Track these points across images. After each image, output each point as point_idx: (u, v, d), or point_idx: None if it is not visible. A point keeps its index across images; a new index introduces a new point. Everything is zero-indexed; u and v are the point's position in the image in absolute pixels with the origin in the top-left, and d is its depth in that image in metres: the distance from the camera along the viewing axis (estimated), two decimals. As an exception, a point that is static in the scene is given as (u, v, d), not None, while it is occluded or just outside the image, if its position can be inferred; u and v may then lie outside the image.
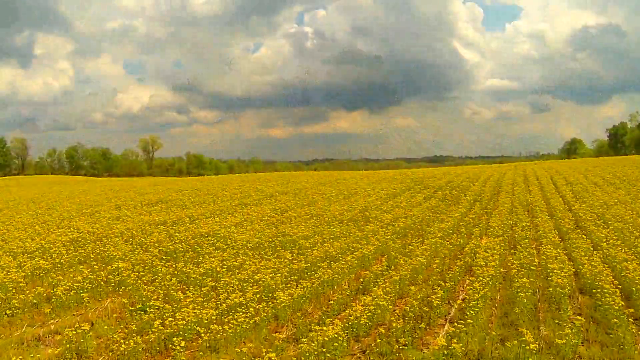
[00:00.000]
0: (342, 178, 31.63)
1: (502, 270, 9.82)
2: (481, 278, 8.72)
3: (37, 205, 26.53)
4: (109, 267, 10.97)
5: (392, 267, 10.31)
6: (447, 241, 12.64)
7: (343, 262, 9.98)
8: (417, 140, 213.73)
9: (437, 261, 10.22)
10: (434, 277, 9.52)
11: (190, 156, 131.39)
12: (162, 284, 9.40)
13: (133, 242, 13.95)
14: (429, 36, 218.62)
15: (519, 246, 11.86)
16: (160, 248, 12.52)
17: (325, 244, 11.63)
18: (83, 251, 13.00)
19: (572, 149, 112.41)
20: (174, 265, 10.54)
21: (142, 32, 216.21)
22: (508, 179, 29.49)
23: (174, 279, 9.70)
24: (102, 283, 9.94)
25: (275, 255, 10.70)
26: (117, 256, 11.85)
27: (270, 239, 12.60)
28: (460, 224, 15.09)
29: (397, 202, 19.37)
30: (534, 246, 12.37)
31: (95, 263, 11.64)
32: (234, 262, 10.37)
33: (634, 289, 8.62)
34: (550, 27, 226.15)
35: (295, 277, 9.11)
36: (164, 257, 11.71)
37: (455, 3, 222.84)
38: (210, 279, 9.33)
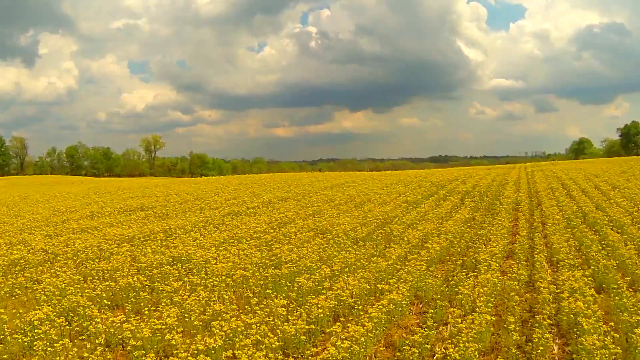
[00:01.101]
0: (351, 181, 28.03)
1: (616, 335, 6.26)
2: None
3: (9, 211, 23.58)
4: (28, 315, 7.57)
5: (440, 325, 6.80)
6: (506, 274, 9.11)
7: (365, 318, 6.49)
8: (422, 139, 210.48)
9: (510, 318, 6.63)
10: (512, 350, 5.99)
11: (194, 156, 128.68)
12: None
13: (82, 270, 10.62)
14: (433, 36, 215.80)
15: (612, 285, 8.31)
16: (109, 282, 9.09)
17: (337, 282, 8.12)
18: (14, 281, 9.68)
19: (580, 149, 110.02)
20: (112, 319, 7.08)
21: (146, 31, 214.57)
22: (540, 182, 25.82)
23: (102, 348, 6.24)
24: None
25: (262, 305, 7.17)
26: (45, 296, 8.42)
27: (260, 271, 9.11)
28: (513, 244, 11.54)
29: (421, 212, 15.81)
30: (620, 279, 8.79)
31: (15, 305, 8.33)
32: (201, 317, 6.88)
33: None
34: (554, 26, 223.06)
35: (291, 356, 5.58)
36: (107, 301, 8.28)
37: (459, 2, 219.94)
38: (154, 355, 5.84)
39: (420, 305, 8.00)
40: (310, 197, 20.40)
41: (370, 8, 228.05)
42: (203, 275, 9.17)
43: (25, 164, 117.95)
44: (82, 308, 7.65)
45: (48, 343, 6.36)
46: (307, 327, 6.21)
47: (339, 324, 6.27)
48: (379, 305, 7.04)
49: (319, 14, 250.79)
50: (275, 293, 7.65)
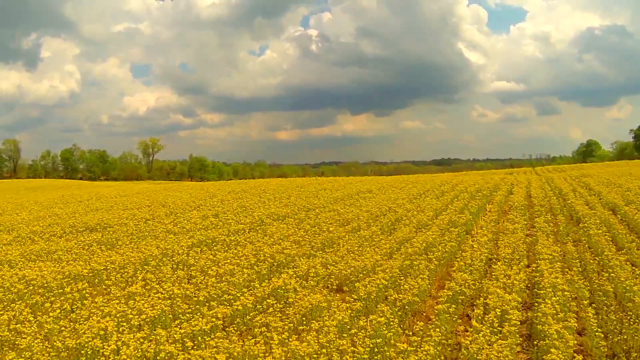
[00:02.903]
0: (365, 190, 22.75)
1: None
2: None
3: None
4: None
5: None
6: None
7: None
8: (424, 142, 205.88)
9: None
10: None
11: (193, 159, 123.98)
12: None
13: None
14: (434, 38, 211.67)
15: None
16: None
17: None
18: None
19: (588, 151, 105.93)
20: None
21: (148, 35, 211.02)
22: (604, 193, 20.53)
23: None
24: None
25: None
26: None
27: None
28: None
29: (482, 243, 10.60)
30: None
31: None
32: None
33: None
34: (555, 28, 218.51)
35: None
36: None
37: (459, 5, 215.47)
38: None
39: None
40: (317, 215, 15.23)
41: (371, 11, 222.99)
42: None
43: (18, 167, 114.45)
44: None
45: None
46: None
47: None
48: None
49: (320, 17, 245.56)
50: None
